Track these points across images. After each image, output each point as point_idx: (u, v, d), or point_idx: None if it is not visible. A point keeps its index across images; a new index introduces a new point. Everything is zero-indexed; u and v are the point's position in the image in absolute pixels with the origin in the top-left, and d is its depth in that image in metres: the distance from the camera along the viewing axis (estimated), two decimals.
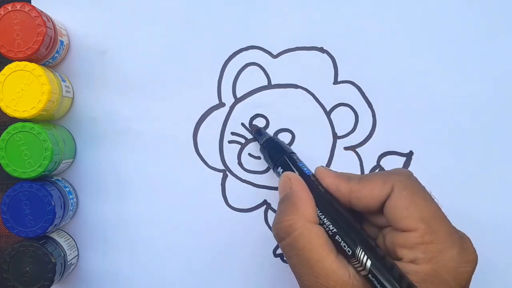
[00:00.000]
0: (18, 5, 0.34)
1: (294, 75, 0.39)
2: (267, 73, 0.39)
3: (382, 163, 0.39)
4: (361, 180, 0.30)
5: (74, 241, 0.39)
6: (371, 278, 0.27)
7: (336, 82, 0.39)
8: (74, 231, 0.39)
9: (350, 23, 0.39)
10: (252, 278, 0.39)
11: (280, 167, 0.34)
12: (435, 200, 0.29)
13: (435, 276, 0.27)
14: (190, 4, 0.39)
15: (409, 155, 0.38)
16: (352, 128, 0.39)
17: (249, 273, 0.39)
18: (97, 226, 0.39)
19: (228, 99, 0.39)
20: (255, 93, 0.39)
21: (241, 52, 0.39)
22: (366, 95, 0.39)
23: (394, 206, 0.29)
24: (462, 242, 0.28)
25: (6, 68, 0.34)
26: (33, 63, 0.34)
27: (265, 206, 0.39)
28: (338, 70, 0.39)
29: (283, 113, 0.39)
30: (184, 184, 0.39)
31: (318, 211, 0.30)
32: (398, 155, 0.39)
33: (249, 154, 0.39)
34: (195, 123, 0.39)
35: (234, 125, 0.39)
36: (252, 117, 0.39)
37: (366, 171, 0.39)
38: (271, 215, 0.39)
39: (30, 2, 0.39)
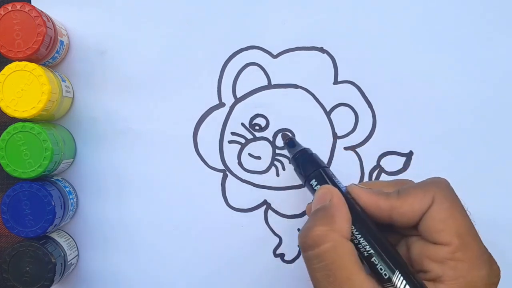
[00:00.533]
0: (18, 5, 0.34)
1: (294, 75, 0.39)
2: (267, 73, 0.39)
3: (382, 163, 0.39)
4: (400, 195, 0.29)
5: (74, 241, 0.39)
6: None
7: (336, 82, 0.39)
8: (74, 231, 0.39)
9: (350, 23, 0.39)
10: (252, 278, 0.39)
11: (314, 180, 0.32)
12: (469, 215, 0.29)
13: None
14: (190, 4, 0.39)
15: (409, 155, 0.38)
16: (352, 128, 0.39)
17: (249, 273, 0.39)
18: (97, 226, 0.39)
19: (228, 99, 0.39)
20: (255, 93, 0.39)
21: (241, 52, 0.39)
22: (366, 95, 0.39)
23: (433, 218, 0.28)
24: (491, 263, 0.28)
25: (6, 68, 0.34)
26: (33, 63, 0.34)
27: (265, 206, 0.39)
28: (338, 70, 0.39)
29: (283, 113, 0.39)
30: (184, 184, 0.39)
31: (355, 230, 0.29)
32: (398, 155, 0.39)
33: (249, 154, 0.39)
34: (195, 123, 0.39)
35: (234, 125, 0.39)
36: (252, 117, 0.39)
37: (366, 171, 0.39)
38: (271, 215, 0.39)
39: (30, 2, 0.39)
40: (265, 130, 0.39)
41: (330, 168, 0.38)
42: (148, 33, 0.39)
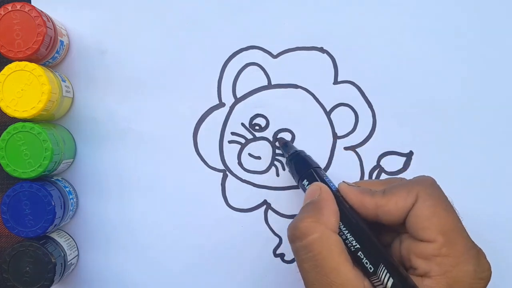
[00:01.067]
0: (18, 5, 0.34)
1: (294, 75, 0.39)
2: (267, 73, 0.39)
3: (382, 163, 0.39)
4: (385, 194, 0.30)
5: (74, 241, 0.39)
6: None
7: (336, 82, 0.39)
8: (74, 231, 0.39)
9: (350, 23, 0.39)
10: (252, 278, 0.39)
11: (306, 180, 0.34)
12: (456, 211, 0.29)
13: None
14: (190, 4, 0.39)
15: (409, 155, 0.38)
16: (352, 128, 0.39)
17: (249, 273, 0.39)
18: (97, 226, 0.39)
19: (228, 99, 0.39)
20: (255, 93, 0.39)
21: (241, 52, 0.39)
22: (366, 95, 0.39)
23: (416, 215, 0.29)
24: (479, 258, 0.28)
25: (6, 68, 0.34)
26: (33, 63, 0.34)
27: (265, 206, 0.39)
28: (338, 70, 0.39)
29: (283, 113, 0.39)
30: (184, 184, 0.39)
31: (342, 226, 0.30)
32: (398, 155, 0.39)
33: (249, 154, 0.39)
34: (195, 123, 0.39)
35: (234, 125, 0.39)
36: (252, 117, 0.39)
37: (366, 171, 0.39)
38: (271, 215, 0.39)
39: (30, 2, 0.39)
40: (265, 130, 0.39)
41: (331, 167, 0.39)
42: (148, 33, 0.39)
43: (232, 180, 0.39)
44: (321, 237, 0.28)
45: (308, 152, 0.37)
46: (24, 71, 0.34)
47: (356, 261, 0.29)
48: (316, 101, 0.39)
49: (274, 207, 0.39)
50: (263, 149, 0.39)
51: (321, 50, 0.39)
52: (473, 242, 0.29)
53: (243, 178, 0.39)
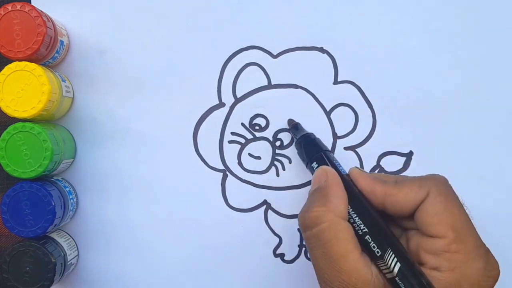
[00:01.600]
0: (18, 5, 0.34)
1: (294, 75, 0.39)
2: (267, 73, 0.39)
3: (382, 163, 0.39)
4: (397, 184, 0.30)
5: (74, 241, 0.39)
6: (398, 281, 0.27)
7: (336, 82, 0.39)
8: (74, 231, 0.39)
9: (350, 23, 0.39)
10: (252, 278, 0.39)
11: (315, 163, 0.34)
12: (466, 210, 0.29)
13: (457, 286, 0.27)
14: (190, 4, 0.39)
15: (409, 155, 0.38)
16: (352, 128, 0.39)
17: (249, 273, 0.39)
18: (97, 226, 0.39)
19: (228, 99, 0.39)
20: (255, 93, 0.39)
21: (241, 52, 0.39)
22: (366, 95, 0.39)
23: (427, 211, 0.29)
24: (488, 256, 0.28)
25: (6, 68, 0.34)
26: (33, 63, 0.34)
27: (265, 206, 0.39)
28: (338, 70, 0.39)
29: (283, 113, 0.39)
30: (184, 184, 0.39)
31: (350, 209, 0.30)
32: (398, 155, 0.39)
33: (249, 154, 0.39)
34: (195, 123, 0.39)
35: (234, 125, 0.39)
36: (252, 117, 0.39)
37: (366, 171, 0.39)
38: (271, 215, 0.39)
39: (30, 2, 0.39)
40: (265, 130, 0.39)
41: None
42: (148, 33, 0.39)
43: (232, 180, 0.39)
44: (330, 225, 0.28)
45: None
46: (24, 71, 0.34)
47: (364, 246, 0.29)
48: (316, 101, 0.39)
49: (274, 207, 0.39)
50: (263, 149, 0.39)
51: (321, 50, 0.39)
52: (482, 241, 0.29)
53: (243, 178, 0.39)
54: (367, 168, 0.39)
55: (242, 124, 0.39)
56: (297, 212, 0.39)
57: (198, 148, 0.39)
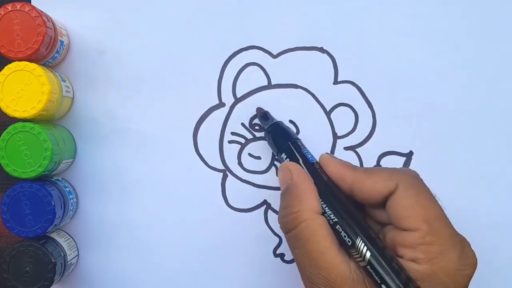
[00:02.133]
0: (18, 5, 0.34)
1: (294, 75, 0.39)
2: (267, 73, 0.39)
3: (382, 163, 0.39)
4: (367, 172, 0.31)
5: (74, 241, 0.39)
6: (369, 269, 0.27)
7: (336, 82, 0.39)
8: (74, 231, 0.39)
9: (350, 23, 0.39)
10: (252, 278, 0.39)
11: (284, 153, 0.34)
12: (439, 202, 0.29)
13: (433, 276, 0.27)
14: (190, 4, 0.39)
15: (409, 155, 0.38)
16: (352, 128, 0.39)
17: (249, 273, 0.39)
18: (97, 226, 0.39)
19: (228, 99, 0.39)
20: (255, 93, 0.39)
21: (241, 52, 0.39)
22: (366, 95, 0.39)
23: (398, 204, 0.29)
24: (463, 246, 0.28)
25: (6, 68, 0.34)
26: (33, 63, 0.34)
27: (265, 206, 0.39)
28: (338, 70, 0.39)
29: (283, 113, 0.39)
30: (184, 184, 0.39)
31: (320, 200, 0.30)
32: (398, 155, 0.39)
33: (249, 154, 0.39)
34: (195, 123, 0.39)
35: (234, 125, 0.39)
36: (252, 117, 0.39)
37: None
38: (271, 215, 0.39)
39: (30, 2, 0.39)
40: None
41: None
42: (148, 33, 0.39)
43: (232, 180, 0.39)
44: (307, 224, 0.29)
45: None
46: (24, 71, 0.34)
47: (337, 236, 0.29)
48: (316, 101, 0.39)
49: (274, 207, 0.39)
50: (263, 149, 0.39)
51: (321, 50, 0.39)
52: (456, 231, 0.29)
53: (243, 178, 0.39)
54: None
55: (242, 124, 0.39)
56: None
57: (198, 148, 0.39)
